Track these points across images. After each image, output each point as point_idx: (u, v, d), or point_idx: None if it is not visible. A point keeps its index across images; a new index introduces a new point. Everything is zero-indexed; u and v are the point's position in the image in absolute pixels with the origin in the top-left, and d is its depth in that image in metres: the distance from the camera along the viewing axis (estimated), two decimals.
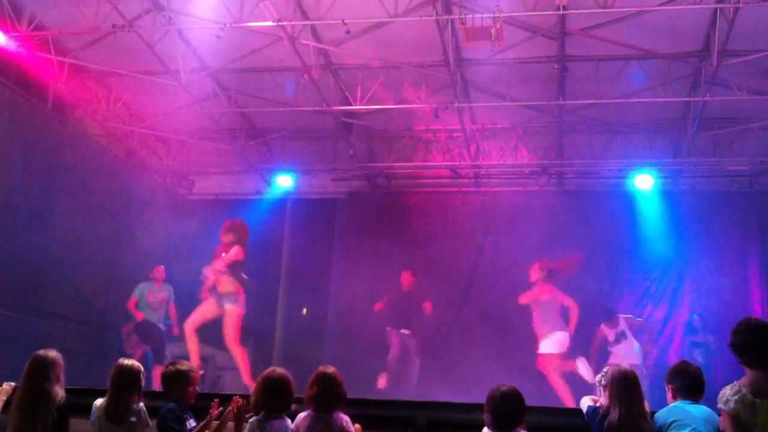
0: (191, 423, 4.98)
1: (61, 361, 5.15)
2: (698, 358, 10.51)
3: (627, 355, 9.76)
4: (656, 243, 12.32)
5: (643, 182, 12.54)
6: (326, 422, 4.78)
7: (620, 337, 10.07)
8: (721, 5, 8.90)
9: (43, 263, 10.50)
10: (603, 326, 10.29)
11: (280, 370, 5.02)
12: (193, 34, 10.30)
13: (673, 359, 10.60)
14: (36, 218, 10.52)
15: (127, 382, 5.01)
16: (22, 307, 10.00)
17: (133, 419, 4.96)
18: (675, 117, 12.22)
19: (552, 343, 9.80)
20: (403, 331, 11.07)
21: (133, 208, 12.82)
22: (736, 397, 4.14)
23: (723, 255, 12.06)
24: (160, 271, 11.19)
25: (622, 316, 10.45)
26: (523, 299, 10.30)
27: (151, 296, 10.95)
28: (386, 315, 11.28)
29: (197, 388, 5.20)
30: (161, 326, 10.99)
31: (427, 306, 11.13)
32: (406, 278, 11.45)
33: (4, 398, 5.22)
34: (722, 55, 9.62)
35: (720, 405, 4.21)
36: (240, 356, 9.87)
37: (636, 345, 10.18)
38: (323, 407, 4.81)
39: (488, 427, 4.62)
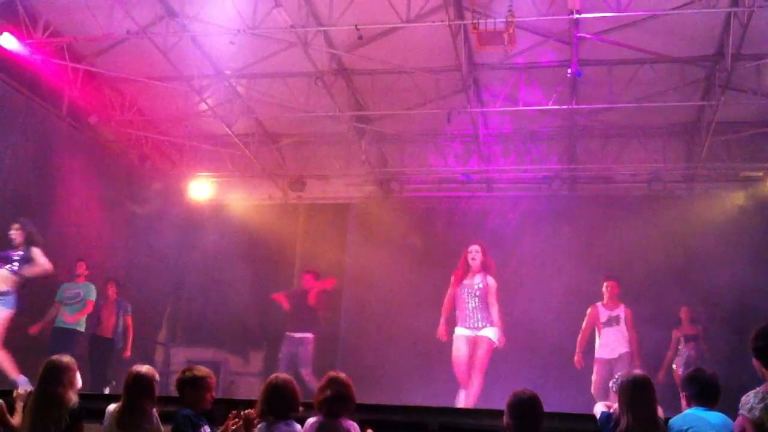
0: (206, 429, 4.98)
1: (75, 367, 5.18)
2: (690, 351, 10.39)
3: (616, 341, 9.31)
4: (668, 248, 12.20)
5: (655, 186, 12.42)
6: (334, 428, 4.79)
7: (612, 322, 9.45)
8: (734, 9, 8.87)
9: (55, 267, 10.54)
10: (599, 305, 9.63)
11: (283, 375, 5.08)
12: (207, 40, 10.35)
13: (662, 351, 10.57)
14: (49, 222, 10.57)
15: (140, 389, 5.01)
16: (36, 312, 10.03)
17: (146, 426, 4.97)
18: (688, 121, 12.17)
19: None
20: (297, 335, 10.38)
21: (146, 213, 12.88)
22: (762, 405, 4.08)
23: (734, 258, 11.93)
24: (79, 266, 10.29)
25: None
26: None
27: (67, 291, 10.07)
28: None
29: (213, 394, 5.20)
30: (74, 327, 9.97)
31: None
32: (307, 281, 10.82)
33: (22, 404, 5.24)
34: (736, 59, 9.57)
35: (742, 411, 4.17)
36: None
37: (626, 335, 9.47)
38: (334, 411, 4.82)
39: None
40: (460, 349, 8.42)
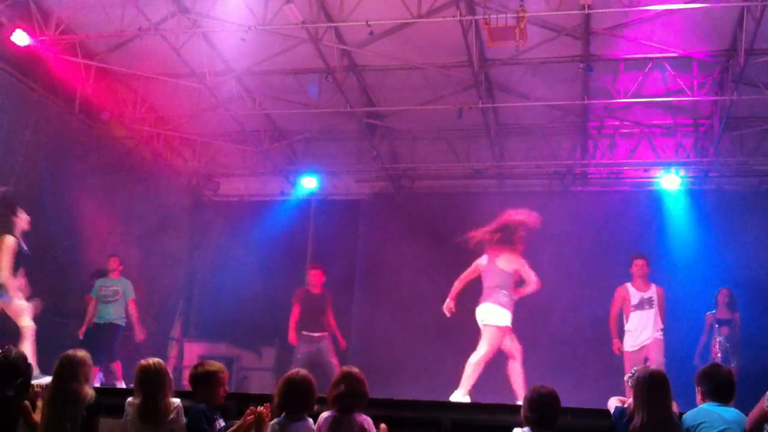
0: (220, 423, 5.01)
1: (90, 361, 5.21)
2: (721, 338, 10.07)
3: (646, 327, 8.84)
4: (683, 243, 12.17)
5: (670, 182, 12.43)
6: (347, 423, 4.80)
7: (645, 304, 8.96)
8: (747, 3, 8.82)
9: (69, 264, 10.61)
10: (628, 285, 9.13)
11: (302, 371, 5.05)
12: (218, 37, 10.37)
13: (696, 335, 10.33)
14: (63, 219, 10.63)
15: (154, 382, 5.03)
16: (49, 307, 10.09)
17: (172, 416, 4.97)
18: (702, 116, 12.12)
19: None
20: (313, 334, 10.23)
21: (159, 209, 12.93)
22: None
23: (750, 255, 11.89)
24: (113, 262, 10.45)
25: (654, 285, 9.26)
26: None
27: (103, 290, 10.24)
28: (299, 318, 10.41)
29: (226, 388, 5.22)
30: (117, 322, 10.15)
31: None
32: (315, 276, 10.62)
33: (42, 401, 5.26)
34: (749, 54, 9.51)
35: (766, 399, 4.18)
36: None
37: (658, 318, 8.95)
38: (347, 406, 4.83)
39: (529, 426, 4.61)
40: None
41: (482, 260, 8.37)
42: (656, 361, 8.44)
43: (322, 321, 10.35)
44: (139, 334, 10.45)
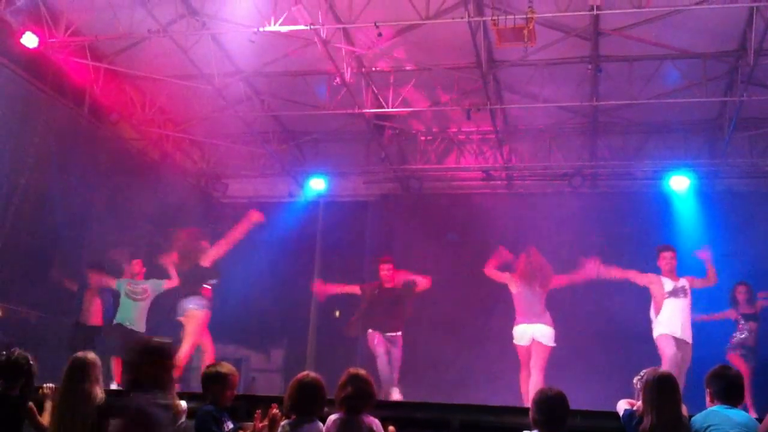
0: (228, 425, 5.00)
1: (99, 363, 5.22)
2: (746, 334, 9.52)
3: (685, 318, 8.48)
4: (692, 244, 12.12)
5: (679, 183, 12.39)
6: (356, 425, 4.80)
7: (679, 292, 8.57)
8: (757, 3, 8.78)
9: (77, 264, 10.63)
10: (660, 276, 8.67)
11: (312, 374, 5.05)
12: (227, 39, 10.39)
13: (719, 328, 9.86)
14: (73, 220, 10.67)
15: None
16: (58, 308, 10.13)
17: (180, 421, 4.96)
18: (711, 117, 12.08)
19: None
20: (389, 334, 9.74)
21: (167, 210, 12.95)
22: None
23: (761, 256, 11.84)
24: (136, 265, 10.37)
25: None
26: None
27: (131, 285, 10.07)
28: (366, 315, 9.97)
29: (235, 391, 5.23)
30: (137, 329, 9.92)
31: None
32: (387, 270, 10.03)
33: (51, 403, 5.28)
34: (759, 54, 9.47)
35: None
36: None
37: (689, 309, 8.62)
38: (355, 408, 4.83)
39: (537, 429, 4.60)
40: None
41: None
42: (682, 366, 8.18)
43: (398, 319, 9.77)
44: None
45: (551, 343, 9.01)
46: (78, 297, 10.21)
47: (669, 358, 8.25)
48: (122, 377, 4.93)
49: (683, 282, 8.68)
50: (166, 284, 10.06)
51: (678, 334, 8.50)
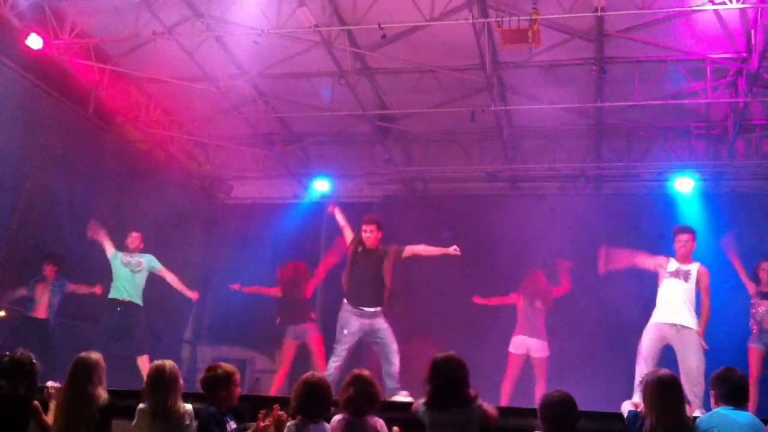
0: (232, 425, 5.01)
1: (103, 363, 5.23)
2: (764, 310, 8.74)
3: (675, 302, 7.54)
4: (697, 246, 12.08)
5: (684, 185, 12.36)
6: (361, 426, 4.80)
7: (680, 275, 7.68)
8: (762, 6, 8.77)
9: (84, 267, 10.64)
10: (670, 257, 7.88)
11: (318, 374, 5.06)
12: (231, 41, 10.41)
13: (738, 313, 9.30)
14: (78, 222, 10.68)
15: (168, 385, 5.03)
16: (63, 310, 10.14)
17: (186, 423, 4.98)
18: (715, 119, 12.05)
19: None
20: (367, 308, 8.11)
21: (172, 212, 12.97)
22: None
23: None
24: (137, 238, 9.90)
25: None
26: None
27: (127, 257, 9.70)
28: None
29: (239, 390, 5.23)
30: (136, 301, 9.60)
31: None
32: (369, 232, 8.40)
33: (55, 402, 5.29)
34: (763, 56, 9.46)
35: None
36: None
37: (693, 297, 7.65)
38: (359, 409, 4.83)
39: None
40: None
41: None
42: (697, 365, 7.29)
43: (380, 291, 8.18)
44: (192, 293, 10.09)
45: (545, 354, 9.83)
46: (30, 290, 9.87)
47: (640, 350, 7.55)
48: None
49: (690, 267, 7.73)
50: (162, 271, 9.80)
51: (673, 320, 7.54)
